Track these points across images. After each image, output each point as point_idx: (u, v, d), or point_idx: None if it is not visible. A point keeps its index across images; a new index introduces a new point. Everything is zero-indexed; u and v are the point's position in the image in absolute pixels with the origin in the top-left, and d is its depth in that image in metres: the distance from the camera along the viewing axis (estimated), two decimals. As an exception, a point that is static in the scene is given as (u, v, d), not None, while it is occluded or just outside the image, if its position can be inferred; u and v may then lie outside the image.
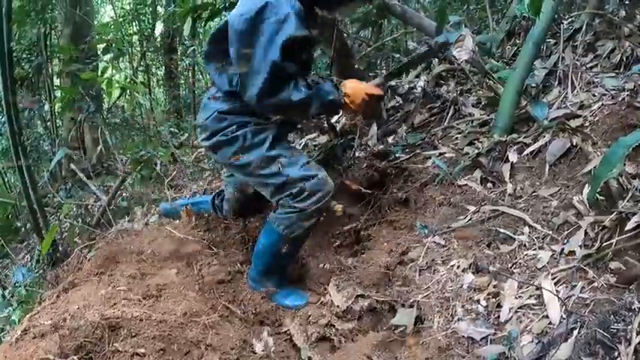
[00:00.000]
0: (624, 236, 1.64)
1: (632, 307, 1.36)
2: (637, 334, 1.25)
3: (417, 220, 2.20)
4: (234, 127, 2.08)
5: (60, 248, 3.57)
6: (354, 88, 2.10)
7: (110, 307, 1.81)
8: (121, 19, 5.04)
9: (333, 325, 1.99)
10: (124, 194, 4.31)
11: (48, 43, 5.24)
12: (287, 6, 1.93)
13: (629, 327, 1.29)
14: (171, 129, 4.46)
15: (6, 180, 5.75)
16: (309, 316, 2.06)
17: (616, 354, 1.24)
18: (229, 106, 2.11)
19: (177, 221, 2.71)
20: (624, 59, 2.74)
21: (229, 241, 2.61)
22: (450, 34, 2.46)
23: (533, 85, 2.55)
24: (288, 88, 1.98)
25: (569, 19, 3.38)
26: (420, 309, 1.75)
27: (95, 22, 5.93)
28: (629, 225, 1.65)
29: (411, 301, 1.79)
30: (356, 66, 3.26)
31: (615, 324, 1.32)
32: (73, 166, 4.81)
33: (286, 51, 1.91)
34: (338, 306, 2.06)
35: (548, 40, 3.29)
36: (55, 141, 5.45)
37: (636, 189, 1.83)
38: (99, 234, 3.38)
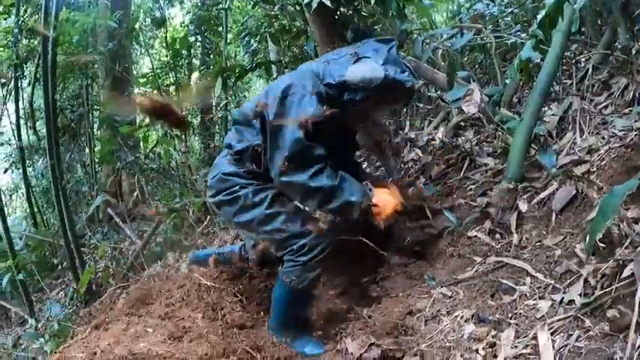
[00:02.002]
0: (622, 284, 1.74)
1: (615, 358, 1.49)
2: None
3: (427, 271, 2.37)
4: (237, 187, 2.30)
5: (94, 287, 3.89)
6: (386, 201, 2.22)
7: (137, 344, 2.05)
8: (159, 71, 5.51)
9: (347, 374, 2.16)
10: (157, 239, 4.64)
11: (89, 95, 5.79)
12: (310, 87, 2.18)
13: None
14: (206, 178, 4.77)
15: (44, 218, 6.23)
16: (325, 362, 2.25)
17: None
18: (234, 169, 2.34)
19: (205, 269, 2.94)
20: (637, 95, 2.84)
21: (253, 290, 2.85)
22: (459, 89, 2.67)
23: (542, 133, 2.69)
24: (310, 171, 2.11)
25: (585, 57, 3.51)
26: (422, 358, 1.90)
27: (135, 73, 6.49)
28: (625, 272, 1.76)
29: (415, 349, 1.94)
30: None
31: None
32: (110, 210, 5.21)
33: (310, 132, 2.09)
34: (352, 353, 2.22)
35: (565, 81, 3.45)
36: (93, 185, 5.91)
37: (637, 234, 1.94)
38: (132, 276, 3.68)
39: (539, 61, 2.98)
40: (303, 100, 2.15)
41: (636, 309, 1.51)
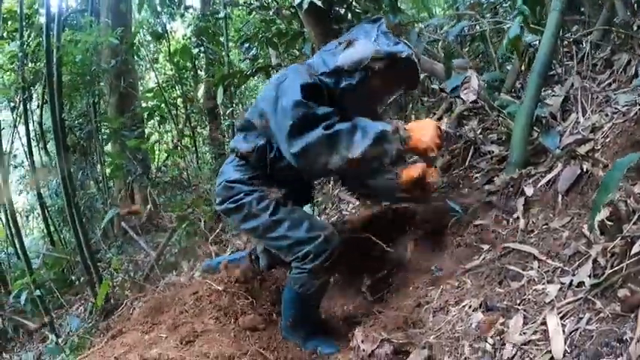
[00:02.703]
0: (631, 261, 1.69)
1: (624, 338, 1.46)
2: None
3: (435, 262, 2.36)
4: (242, 194, 2.30)
5: (111, 300, 3.95)
6: (421, 122, 2.10)
7: (150, 350, 2.09)
8: (164, 84, 5.59)
9: (359, 371, 2.16)
10: (172, 250, 4.70)
11: (97, 111, 5.89)
12: (304, 73, 2.16)
13: (619, 359, 1.39)
14: (217, 187, 4.84)
15: (61, 237, 6.34)
16: (337, 360, 2.25)
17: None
18: (238, 176, 2.34)
19: (217, 276, 2.99)
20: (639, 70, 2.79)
21: (264, 293, 2.88)
22: (456, 77, 2.66)
23: (544, 115, 2.66)
24: (320, 125, 1.97)
25: (585, 36, 3.47)
26: (431, 349, 1.88)
27: (141, 87, 6.60)
28: (635, 249, 1.71)
29: (424, 342, 1.93)
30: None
31: (606, 356, 1.42)
32: (123, 224, 5.29)
33: (311, 95, 2.03)
34: (364, 350, 2.22)
35: (567, 62, 3.41)
36: (107, 200, 6.01)
37: (645, 209, 1.90)
38: (148, 287, 3.74)
39: (537, 42, 2.96)
40: (300, 76, 2.12)
41: (643, 286, 1.48)
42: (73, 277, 5.18)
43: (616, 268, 1.75)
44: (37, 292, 3.72)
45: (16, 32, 5.25)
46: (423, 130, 2.06)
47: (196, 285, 2.96)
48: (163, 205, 5.25)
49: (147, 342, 2.35)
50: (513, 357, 1.68)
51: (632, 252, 1.72)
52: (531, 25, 2.76)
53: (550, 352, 1.62)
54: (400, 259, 2.63)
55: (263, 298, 2.83)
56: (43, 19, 6.25)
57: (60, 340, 3.83)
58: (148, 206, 5.38)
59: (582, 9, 3.95)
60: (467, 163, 2.97)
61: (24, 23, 5.20)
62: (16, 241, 4.48)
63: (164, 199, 5.48)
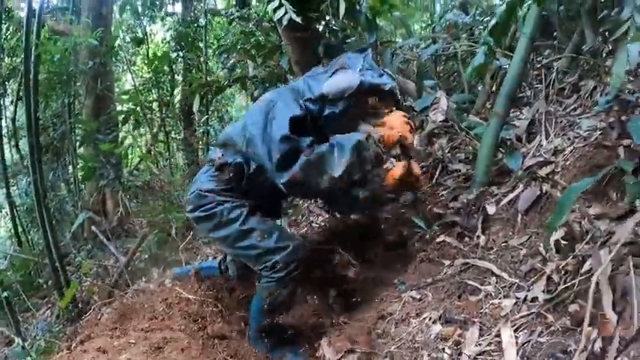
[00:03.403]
0: (582, 278, 1.82)
1: (568, 350, 1.59)
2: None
3: (399, 276, 2.47)
4: (214, 203, 2.37)
5: (79, 305, 3.94)
6: (387, 118, 2.23)
7: (120, 356, 2.13)
8: (141, 87, 5.61)
9: (325, 380, 2.25)
10: (142, 256, 4.70)
11: (71, 112, 5.88)
12: (293, 105, 2.26)
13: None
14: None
15: (29, 238, 6.26)
16: (304, 371, 2.33)
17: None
18: (211, 186, 2.41)
19: (187, 283, 3.02)
20: (605, 96, 2.90)
21: (233, 302, 2.94)
22: (426, 97, 2.79)
23: (509, 137, 2.81)
24: (303, 155, 2.11)
25: (556, 60, 3.66)
26: (392, 359, 1.99)
27: (117, 89, 6.59)
28: (585, 267, 1.86)
29: (386, 351, 2.03)
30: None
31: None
32: (94, 228, 5.26)
33: (296, 127, 2.14)
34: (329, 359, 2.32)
35: (537, 86, 3.58)
36: (77, 203, 5.97)
37: (597, 229, 2.05)
38: (116, 293, 3.75)
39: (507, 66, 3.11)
40: (293, 103, 2.25)
41: (589, 302, 1.61)
42: (41, 280, 5.11)
43: (568, 284, 1.89)
44: (5, 294, 3.68)
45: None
46: (392, 123, 2.23)
47: (166, 292, 3.00)
48: (134, 211, 5.25)
49: (116, 348, 2.36)
50: (468, 367, 1.79)
51: (583, 270, 1.86)
52: (503, 50, 2.93)
53: (502, 362, 1.74)
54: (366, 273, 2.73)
55: (232, 306, 2.89)
56: (23, 14, 6.27)
57: (26, 344, 3.80)
58: (119, 211, 5.38)
59: (555, 34, 4.17)
60: (434, 180, 3.10)
61: (3, 16, 5.17)
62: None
63: (135, 203, 5.48)
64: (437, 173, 3.13)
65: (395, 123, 2.26)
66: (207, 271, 3.07)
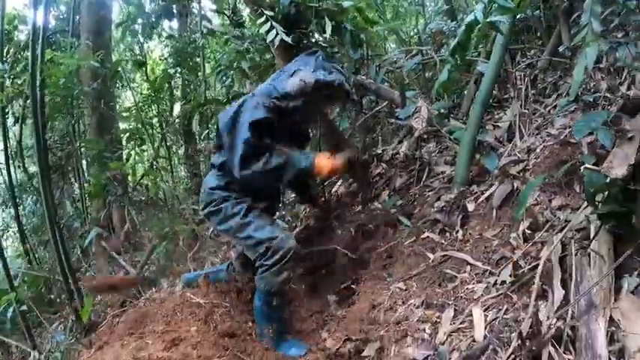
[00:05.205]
0: (542, 261, 2.20)
1: (518, 319, 1.97)
2: (517, 337, 1.84)
3: (388, 270, 2.86)
4: (220, 199, 2.88)
5: (92, 317, 4.32)
6: (320, 163, 2.85)
7: (139, 353, 2.51)
8: (141, 104, 6.00)
9: (326, 367, 2.63)
10: (151, 267, 5.08)
11: (76, 133, 6.31)
12: (260, 101, 2.75)
13: (512, 333, 1.89)
14: (194, 206, 5.29)
15: (36, 256, 6.66)
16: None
17: (499, 355, 1.85)
18: (217, 183, 2.92)
19: (197, 288, 3.41)
20: (579, 94, 3.22)
21: (241, 303, 3.31)
22: (409, 106, 3.18)
23: (486, 139, 3.19)
24: (262, 159, 2.70)
25: (537, 62, 4.01)
26: (381, 341, 2.37)
27: (117, 107, 6.98)
28: (543, 253, 2.24)
29: (376, 336, 2.41)
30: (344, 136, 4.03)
31: (504, 332, 1.93)
32: (103, 243, 5.66)
33: (257, 131, 2.67)
34: (329, 349, 2.70)
35: (521, 87, 3.94)
36: (85, 220, 6.38)
37: (557, 218, 2.43)
38: (129, 302, 4.12)
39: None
40: (256, 108, 2.73)
41: (537, 279, 1.99)
42: (52, 296, 5.49)
43: (530, 267, 2.27)
44: (23, 307, 4.05)
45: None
46: (320, 170, 2.86)
47: (177, 298, 3.37)
48: (140, 225, 5.64)
49: (134, 348, 2.74)
50: (444, 342, 2.17)
51: (543, 254, 2.24)
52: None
53: (472, 337, 2.12)
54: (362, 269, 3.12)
55: (240, 307, 3.26)
56: (22, 36, 6.68)
57: (42, 357, 4.15)
58: (126, 225, 5.78)
59: (539, 33, 4.53)
60: (422, 183, 3.48)
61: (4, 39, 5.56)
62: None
63: (141, 218, 5.87)
64: (424, 176, 3.51)
65: (326, 166, 2.87)
66: (216, 275, 3.46)
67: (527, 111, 3.43)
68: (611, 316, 1.76)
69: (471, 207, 2.92)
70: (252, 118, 2.68)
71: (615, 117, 2.54)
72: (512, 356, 1.79)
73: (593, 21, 2.28)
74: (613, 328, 1.72)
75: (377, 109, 4.43)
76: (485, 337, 2.09)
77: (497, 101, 3.99)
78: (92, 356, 2.86)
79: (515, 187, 2.81)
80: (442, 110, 3.26)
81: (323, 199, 3.92)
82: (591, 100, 2.88)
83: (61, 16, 7.15)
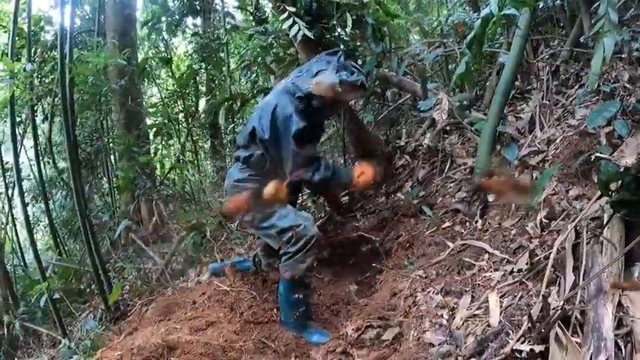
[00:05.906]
0: (557, 249, 2.27)
1: (530, 303, 2.08)
2: (527, 320, 1.95)
3: (409, 259, 2.99)
4: (244, 192, 2.97)
5: (121, 307, 4.54)
6: (359, 178, 3.06)
7: (168, 336, 2.69)
8: (167, 100, 6.23)
9: (349, 353, 2.75)
10: (179, 258, 5.28)
11: (104, 128, 6.58)
12: (290, 106, 2.91)
13: (524, 317, 2.00)
14: (220, 199, 5.48)
15: (66, 249, 6.96)
16: (329, 346, 2.82)
17: (510, 338, 1.96)
18: (242, 176, 3.09)
19: (224, 277, 3.59)
20: (601, 84, 3.28)
21: (266, 290, 3.46)
22: (430, 99, 3.29)
23: (507, 130, 3.28)
24: (311, 169, 2.95)
25: (559, 52, 4.05)
26: (400, 326, 2.50)
27: (144, 103, 7.23)
28: (557, 241, 2.33)
29: (396, 321, 2.55)
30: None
31: (517, 316, 2.04)
32: (132, 235, 5.91)
33: (300, 140, 2.86)
34: (351, 336, 2.84)
35: (543, 78, 3.99)
36: (114, 213, 6.65)
37: (573, 208, 2.52)
38: (158, 291, 4.32)
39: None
40: (290, 122, 2.87)
41: (549, 267, 2.09)
42: (82, 287, 5.75)
43: (545, 254, 2.36)
44: (56, 296, 4.27)
45: (23, 48, 5.90)
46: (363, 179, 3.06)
47: (204, 287, 3.56)
48: (168, 217, 5.86)
49: (164, 332, 2.93)
50: (460, 327, 2.29)
51: (557, 242, 2.33)
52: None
53: (488, 322, 2.23)
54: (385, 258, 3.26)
55: (265, 295, 3.41)
56: (48, 37, 6.97)
57: (72, 344, 4.36)
58: (154, 218, 6.01)
59: (562, 23, 4.55)
60: (444, 174, 3.58)
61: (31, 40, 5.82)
62: (30, 251, 5.05)
63: (168, 211, 6.09)
64: (446, 167, 3.61)
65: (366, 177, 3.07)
66: (242, 264, 3.63)
67: (548, 102, 3.49)
68: (620, 302, 1.84)
69: (490, 197, 3.02)
70: (294, 128, 2.85)
71: (634, 107, 2.61)
72: (522, 338, 1.90)
73: (610, 11, 2.29)
74: (621, 314, 1.80)
75: (400, 101, 4.53)
76: (500, 322, 2.20)
77: (519, 92, 4.03)
78: (122, 341, 3.04)
79: (534, 177, 2.89)
80: (463, 102, 3.34)
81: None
82: (608, 90, 2.94)
83: (87, 16, 7.40)
